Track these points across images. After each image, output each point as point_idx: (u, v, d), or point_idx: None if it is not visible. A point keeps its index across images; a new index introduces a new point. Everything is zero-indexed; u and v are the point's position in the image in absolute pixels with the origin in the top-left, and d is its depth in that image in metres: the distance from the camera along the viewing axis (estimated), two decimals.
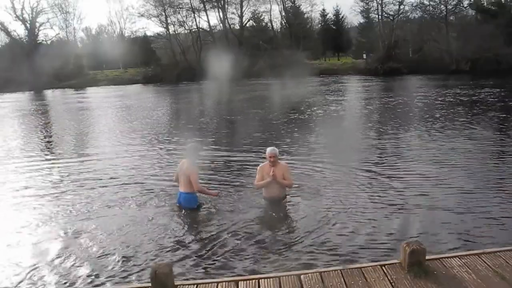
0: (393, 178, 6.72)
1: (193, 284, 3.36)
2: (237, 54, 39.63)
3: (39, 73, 42.13)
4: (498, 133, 10.55)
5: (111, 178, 7.64)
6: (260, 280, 3.32)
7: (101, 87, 42.20)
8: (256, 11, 51.31)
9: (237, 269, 4.03)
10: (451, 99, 17.84)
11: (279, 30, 54.39)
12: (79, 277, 4.04)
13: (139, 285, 3.59)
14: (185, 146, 6.01)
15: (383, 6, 45.23)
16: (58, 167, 8.83)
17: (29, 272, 4.17)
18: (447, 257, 3.55)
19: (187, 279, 3.79)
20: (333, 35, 56.86)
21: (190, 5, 49.13)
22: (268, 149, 5.73)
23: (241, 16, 50.14)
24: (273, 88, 26.50)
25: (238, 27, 50.76)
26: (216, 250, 4.45)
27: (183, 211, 5.64)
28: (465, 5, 42.60)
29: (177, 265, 4.09)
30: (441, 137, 10.07)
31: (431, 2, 42.87)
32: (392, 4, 44.97)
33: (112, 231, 5.07)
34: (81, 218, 5.60)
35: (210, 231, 4.97)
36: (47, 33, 70.81)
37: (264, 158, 5.95)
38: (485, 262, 3.42)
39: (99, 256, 4.43)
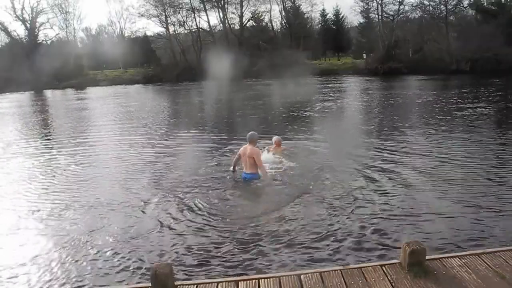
0: (392, 178, 6.71)
1: (193, 284, 3.36)
2: (237, 54, 39.61)
3: (39, 73, 42.19)
4: (499, 133, 10.54)
5: (111, 177, 7.64)
6: (260, 280, 3.32)
7: (101, 87, 42.20)
8: (256, 11, 51.44)
9: (237, 269, 4.03)
10: (451, 99, 17.81)
11: (279, 30, 54.43)
12: (79, 276, 4.04)
13: (139, 285, 3.59)
14: (246, 134, 7.01)
15: (383, 6, 45.26)
16: (58, 165, 8.82)
17: (28, 272, 4.17)
18: (447, 257, 3.54)
19: (187, 279, 3.79)
20: (333, 35, 56.79)
21: (190, 5, 49.38)
22: (275, 137, 8.52)
23: (241, 16, 50.21)
24: (273, 88, 26.51)
25: (238, 27, 50.77)
26: (216, 250, 4.45)
27: (184, 210, 5.65)
28: (465, 5, 42.66)
29: (177, 265, 4.09)
30: (441, 137, 10.06)
31: (431, 2, 42.83)
32: (392, 4, 45.04)
33: (112, 231, 5.07)
34: (80, 217, 5.60)
35: (210, 231, 4.97)
36: (47, 33, 70.60)
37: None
38: (485, 262, 3.42)
39: (99, 256, 4.43)
